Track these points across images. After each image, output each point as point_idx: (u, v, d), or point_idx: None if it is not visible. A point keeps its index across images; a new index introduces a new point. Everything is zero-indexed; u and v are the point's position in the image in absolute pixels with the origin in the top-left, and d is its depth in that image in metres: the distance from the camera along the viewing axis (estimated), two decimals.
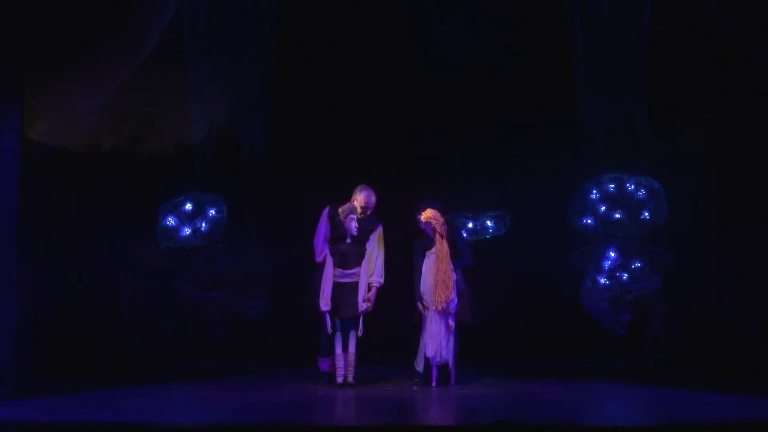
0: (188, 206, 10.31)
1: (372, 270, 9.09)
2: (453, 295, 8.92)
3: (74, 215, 10.09)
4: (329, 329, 8.98)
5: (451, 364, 9.02)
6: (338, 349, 9.03)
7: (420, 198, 9.33)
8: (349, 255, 9.07)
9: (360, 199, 9.20)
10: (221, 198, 10.43)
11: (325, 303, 8.96)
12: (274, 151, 10.70)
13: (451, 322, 8.97)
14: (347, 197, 9.20)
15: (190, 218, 10.31)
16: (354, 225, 9.06)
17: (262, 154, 10.62)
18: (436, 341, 8.96)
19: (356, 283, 9.06)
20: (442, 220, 9.07)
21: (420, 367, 9.06)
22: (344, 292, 9.01)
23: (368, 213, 9.18)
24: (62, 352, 9.69)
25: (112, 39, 8.96)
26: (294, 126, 10.94)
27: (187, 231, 10.27)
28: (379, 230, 9.19)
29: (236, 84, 10.42)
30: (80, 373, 9.52)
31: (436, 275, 8.93)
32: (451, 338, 8.99)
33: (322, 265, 9.11)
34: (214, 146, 10.43)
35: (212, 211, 10.35)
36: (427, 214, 9.11)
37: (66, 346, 9.79)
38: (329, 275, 9.01)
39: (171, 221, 10.25)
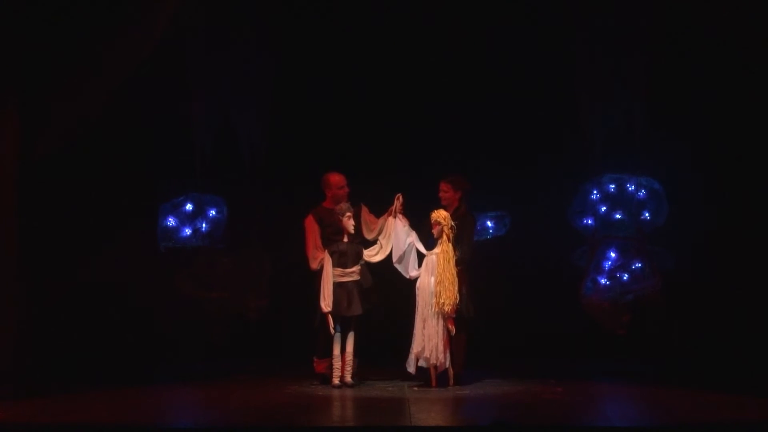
0: (188, 206, 10.30)
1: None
2: (456, 300, 8.85)
3: (74, 215, 10.08)
4: (331, 330, 8.96)
5: (448, 365, 8.98)
6: (336, 350, 9.00)
7: (453, 173, 9.31)
8: (348, 254, 9.05)
9: (333, 184, 9.22)
10: (221, 198, 10.42)
11: (326, 304, 8.94)
12: (274, 151, 10.72)
13: (451, 326, 8.93)
14: (346, 198, 9.22)
15: (190, 218, 10.30)
16: (352, 223, 9.05)
17: (262, 154, 10.64)
18: (432, 342, 8.91)
19: (356, 282, 9.04)
20: (452, 223, 8.99)
21: (411, 368, 9.03)
22: (345, 292, 8.99)
23: (347, 191, 9.15)
24: (61, 352, 9.68)
25: (113, 39, 8.97)
26: (294, 126, 10.94)
27: (187, 231, 10.26)
28: (366, 209, 9.21)
29: (236, 84, 10.44)
30: (80, 373, 9.52)
31: (442, 275, 8.86)
32: (444, 340, 8.92)
33: (321, 269, 9.08)
34: (214, 146, 10.45)
35: (212, 212, 10.34)
36: (439, 215, 9.02)
37: (65, 347, 9.79)
38: (329, 275, 8.99)
39: (171, 221, 10.24)
